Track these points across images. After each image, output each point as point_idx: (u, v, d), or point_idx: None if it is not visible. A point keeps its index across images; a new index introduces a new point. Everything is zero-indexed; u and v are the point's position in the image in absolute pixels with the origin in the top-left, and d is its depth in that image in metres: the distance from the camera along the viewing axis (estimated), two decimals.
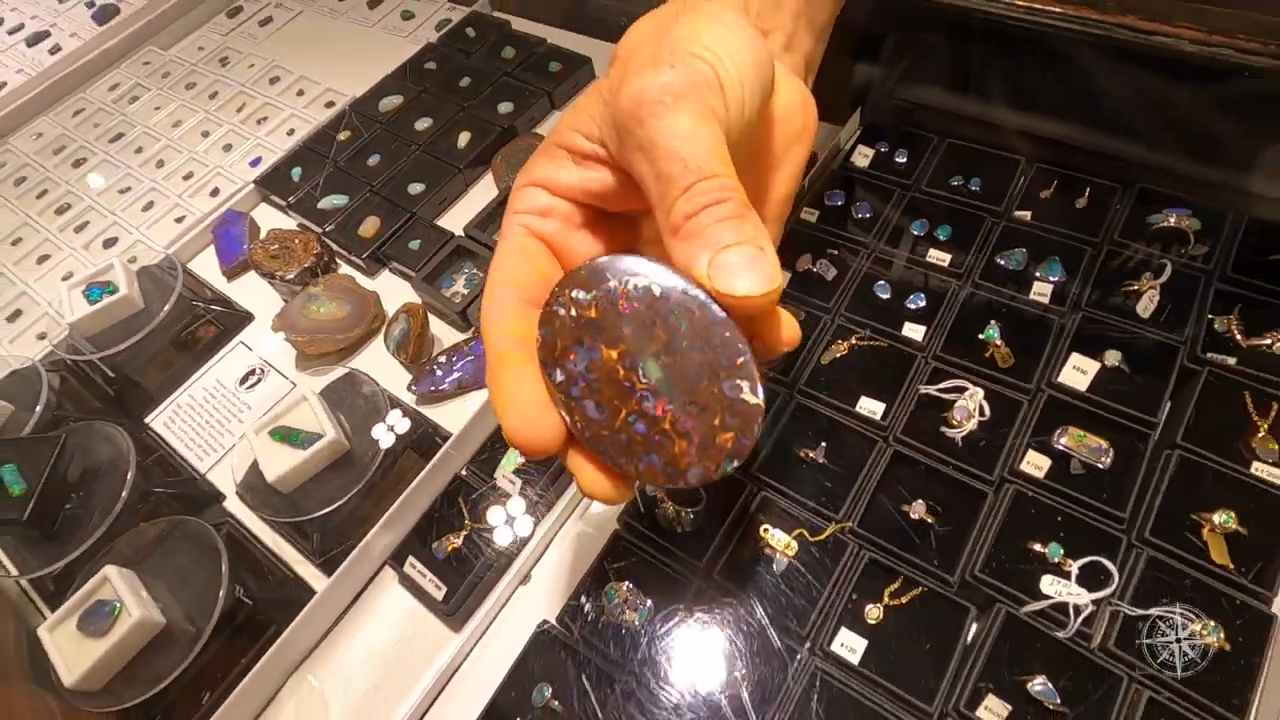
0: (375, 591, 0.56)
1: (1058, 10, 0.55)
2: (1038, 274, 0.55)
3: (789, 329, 0.29)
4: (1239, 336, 0.49)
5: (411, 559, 0.54)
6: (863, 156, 0.64)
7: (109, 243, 0.80)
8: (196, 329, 0.71)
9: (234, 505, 0.61)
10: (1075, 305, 0.53)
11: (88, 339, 0.66)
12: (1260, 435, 0.46)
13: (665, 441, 0.27)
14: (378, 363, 0.65)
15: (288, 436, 0.55)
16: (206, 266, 0.77)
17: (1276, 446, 0.45)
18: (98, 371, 0.70)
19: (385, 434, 0.58)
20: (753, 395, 0.26)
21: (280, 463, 0.55)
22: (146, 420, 0.67)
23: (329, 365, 0.64)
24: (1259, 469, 0.45)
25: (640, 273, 0.27)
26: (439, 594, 0.52)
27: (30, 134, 0.95)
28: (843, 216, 0.61)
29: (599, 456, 0.28)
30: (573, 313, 0.28)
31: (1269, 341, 0.48)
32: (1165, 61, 0.53)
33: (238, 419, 0.66)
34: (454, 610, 0.51)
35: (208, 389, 0.68)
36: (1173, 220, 0.54)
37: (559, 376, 0.28)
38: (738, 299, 0.25)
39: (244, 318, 0.72)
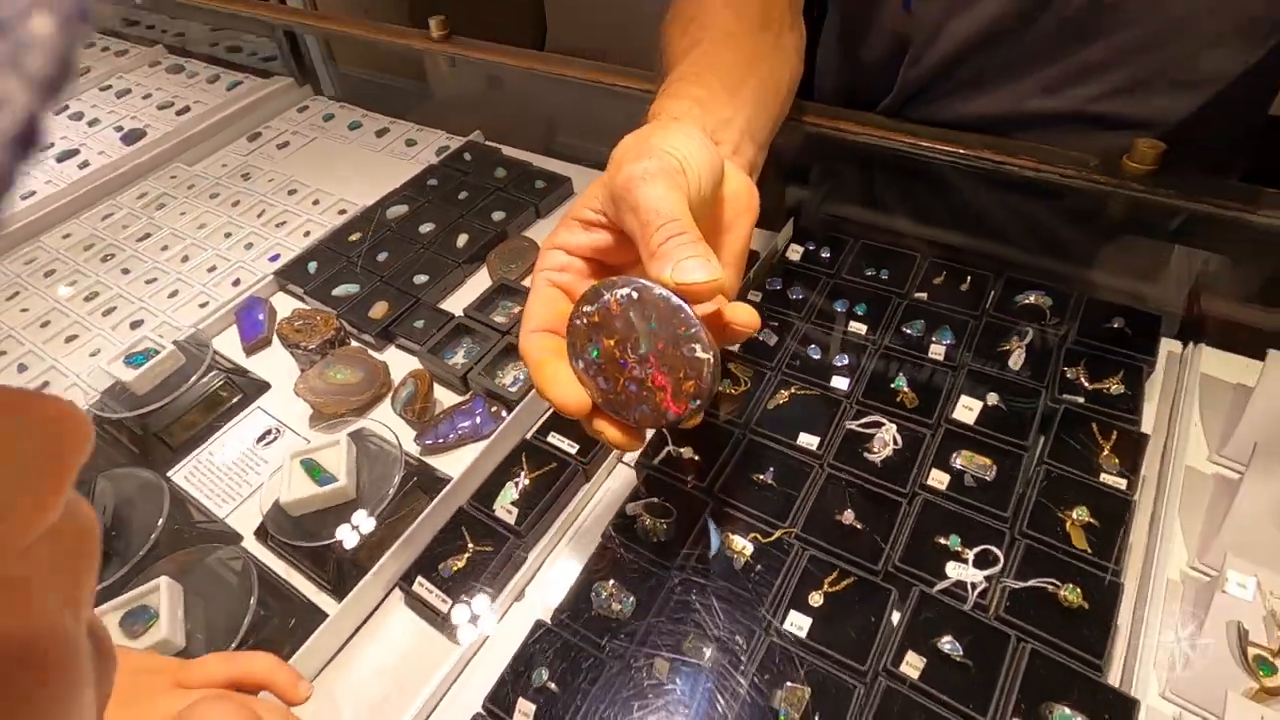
0: (383, 612, 0.62)
1: (937, 146, 0.74)
2: (933, 339, 0.69)
3: (749, 314, 0.41)
4: (1085, 382, 0.63)
5: (420, 578, 0.61)
6: (795, 253, 0.80)
7: (135, 324, 0.89)
8: (219, 394, 0.80)
9: (250, 544, 0.68)
10: (962, 362, 0.67)
11: (139, 397, 0.74)
12: (1105, 453, 0.59)
13: (649, 395, 0.38)
14: (385, 422, 0.74)
15: (311, 469, 0.64)
16: (227, 344, 0.86)
17: (1117, 461, 0.58)
18: (124, 432, 0.77)
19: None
20: (704, 353, 0.37)
21: (295, 489, 0.63)
22: (169, 474, 0.74)
23: (344, 423, 0.73)
24: (1105, 478, 0.58)
25: (624, 286, 0.39)
26: (444, 607, 0.60)
27: (60, 234, 1.05)
28: (782, 298, 0.76)
29: (611, 415, 0.39)
30: (584, 321, 0.39)
31: (1107, 386, 0.63)
32: (1018, 184, 0.71)
33: (255, 471, 0.73)
34: (457, 622, 0.59)
35: (227, 446, 0.76)
36: (1032, 299, 0.70)
37: (580, 365, 0.40)
38: (693, 286, 0.36)
39: (263, 385, 0.81)
